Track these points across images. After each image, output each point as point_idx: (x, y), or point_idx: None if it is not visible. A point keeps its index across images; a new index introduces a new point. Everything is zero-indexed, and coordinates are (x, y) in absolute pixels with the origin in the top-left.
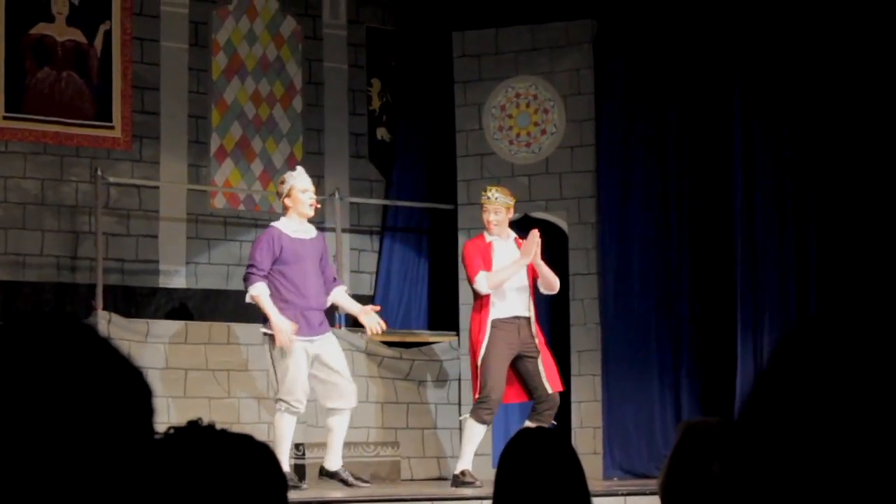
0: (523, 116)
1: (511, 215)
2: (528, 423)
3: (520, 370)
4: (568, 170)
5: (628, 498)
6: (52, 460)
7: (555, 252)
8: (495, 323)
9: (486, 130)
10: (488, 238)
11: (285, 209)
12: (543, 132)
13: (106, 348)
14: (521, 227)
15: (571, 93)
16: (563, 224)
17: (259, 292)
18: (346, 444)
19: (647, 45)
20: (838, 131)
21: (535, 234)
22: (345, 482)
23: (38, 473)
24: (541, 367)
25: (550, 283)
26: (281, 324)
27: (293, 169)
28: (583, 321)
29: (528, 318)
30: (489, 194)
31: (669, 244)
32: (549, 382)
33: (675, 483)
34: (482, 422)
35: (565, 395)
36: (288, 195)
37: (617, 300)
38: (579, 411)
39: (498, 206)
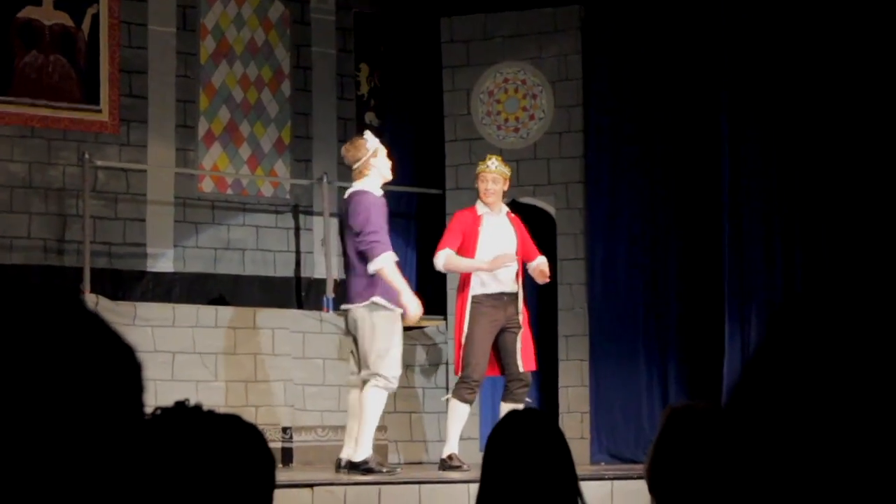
0: (511, 102)
1: (506, 188)
2: (503, 405)
3: (497, 343)
4: (556, 155)
5: (615, 482)
6: (40, 437)
7: (543, 237)
8: (478, 298)
9: (475, 115)
10: (480, 210)
11: (363, 171)
12: (531, 117)
13: (96, 322)
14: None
15: (559, 78)
16: (550, 209)
17: (386, 263)
18: (333, 428)
19: (634, 30)
20: (827, 119)
21: (510, 259)
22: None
23: (24, 451)
24: (518, 344)
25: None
26: (413, 300)
27: (281, 154)
28: (570, 306)
29: (516, 295)
30: (488, 163)
31: (657, 229)
32: (523, 360)
33: (661, 467)
34: (465, 401)
35: (552, 380)
36: (374, 155)
37: (605, 285)
38: (566, 396)
39: (496, 175)
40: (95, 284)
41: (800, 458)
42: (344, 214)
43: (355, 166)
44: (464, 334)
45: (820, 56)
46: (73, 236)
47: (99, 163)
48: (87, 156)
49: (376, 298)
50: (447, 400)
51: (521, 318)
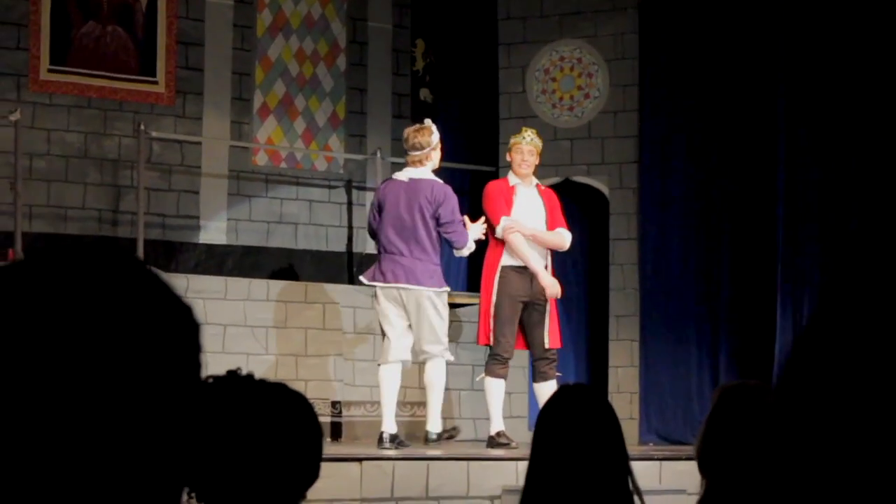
0: (567, 80)
1: (537, 161)
2: (536, 385)
3: (524, 319)
4: (610, 134)
5: (664, 463)
6: (99, 392)
7: (595, 217)
8: (506, 271)
9: (529, 93)
10: (512, 181)
11: (423, 160)
12: (587, 96)
13: (155, 281)
14: (562, 190)
15: (615, 57)
16: (604, 189)
17: (472, 248)
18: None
19: (692, 10)
20: (886, 101)
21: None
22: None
23: (83, 406)
24: (546, 320)
25: (558, 247)
26: None
27: (336, 129)
28: (622, 286)
29: (545, 268)
30: (524, 135)
31: (711, 210)
32: (550, 337)
33: (712, 446)
34: (498, 376)
35: (602, 360)
36: (435, 148)
37: (656, 266)
38: (616, 376)
39: (531, 147)
40: (148, 255)
41: (851, 438)
42: (420, 200)
43: (417, 153)
44: (492, 305)
45: (878, 38)
46: (128, 207)
47: (154, 134)
48: (142, 127)
49: (447, 287)
50: (481, 379)
51: (548, 293)
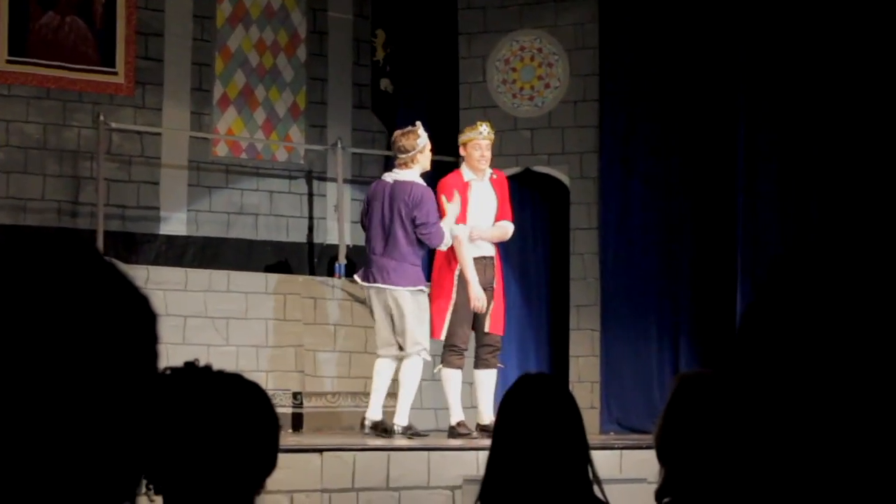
0: (527, 70)
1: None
2: (476, 371)
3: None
4: (571, 124)
5: (624, 452)
6: (54, 383)
7: (556, 206)
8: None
9: (490, 83)
10: (467, 177)
11: (409, 162)
12: (547, 86)
13: (111, 271)
14: (522, 180)
15: (576, 47)
16: (564, 178)
17: (449, 242)
18: (344, 394)
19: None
20: (845, 93)
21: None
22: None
23: (38, 397)
24: (490, 306)
25: (500, 240)
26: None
27: (296, 119)
28: (583, 276)
29: (492, 258)
30: (480, 129)
31: (671, 200)
32: (491, 322)
33: (670, 435)
34: (456, 367)
35: (563, 349)
36: (422, 151)
37: (617, 255)
38: (577, 366)
39: (488, 141)
40: (108, 247)
41: (800, 424)
42: (399, 202)
43: (402, 156)
44: (451, 302)
45: (837, 27)
46: (87, 198)
47: (114, 125)
48: (102, 118)
49: (424, 286)
50: (439, 371)
51: (494, 282)
